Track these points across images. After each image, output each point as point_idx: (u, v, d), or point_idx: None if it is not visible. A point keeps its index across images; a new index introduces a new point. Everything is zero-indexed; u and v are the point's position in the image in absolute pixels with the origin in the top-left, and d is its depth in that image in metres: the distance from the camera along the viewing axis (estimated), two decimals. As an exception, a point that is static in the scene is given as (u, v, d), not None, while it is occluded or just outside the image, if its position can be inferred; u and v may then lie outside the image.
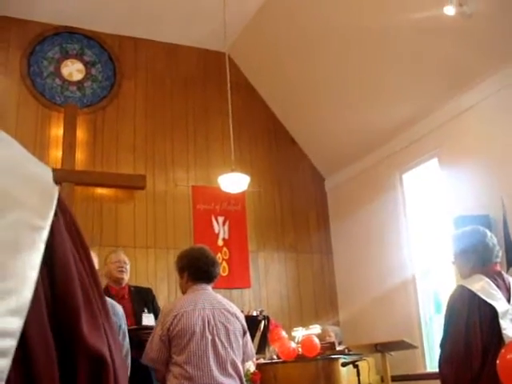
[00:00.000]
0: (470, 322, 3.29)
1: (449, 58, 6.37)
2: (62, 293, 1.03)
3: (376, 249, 7.74)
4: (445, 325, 3.49)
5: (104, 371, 1.04)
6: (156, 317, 4.88)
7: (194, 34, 8.31)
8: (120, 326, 4.04)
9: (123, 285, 5.25)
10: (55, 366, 0.98)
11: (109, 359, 1.06)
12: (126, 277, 5.29)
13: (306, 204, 8.78)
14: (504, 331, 3.22)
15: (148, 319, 4.95)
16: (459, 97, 6.56)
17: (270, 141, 8.82)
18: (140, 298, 5.28)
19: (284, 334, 6.54)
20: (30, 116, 7.49)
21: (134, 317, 5.01)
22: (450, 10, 5.64)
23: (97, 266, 4.27)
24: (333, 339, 6.78)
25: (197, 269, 3.84)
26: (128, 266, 5.33)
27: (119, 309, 4.13)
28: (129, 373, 4.09)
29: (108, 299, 4.15)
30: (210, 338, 3.61)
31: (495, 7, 5.75)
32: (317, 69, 7.75)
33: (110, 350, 1.08)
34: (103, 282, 5.39)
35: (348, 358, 5.78)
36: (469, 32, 6.00)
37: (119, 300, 4.98)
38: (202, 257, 3.86)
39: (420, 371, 6.85)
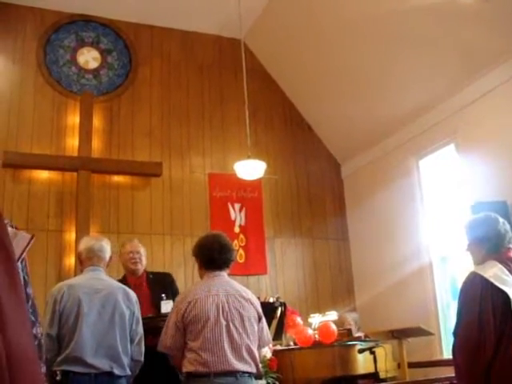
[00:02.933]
0: (483, 309, 3.28)
1: (466, 43, 6.30)
2: None
3: (392, 235, 7.71)
4: (458, 312, 3.48)
5: None
6: (175, 301, 4.89)
7: (209, 21, 8.29)
8: (134, 313, 4.05)
9: (139, 274, 5.25)
10: None
11: None
12: (141, 266, 5.27)
13: (323, 190, 8.76)
14: None
15: (167, 306, 4.93)
16: (476, 81, 6.49)
17: (286, 127, 8.79)
18: (158, 284, 5.26)
19: (299, 320, 6.54)
20: (47, 104, 7.53)
21: (153, 304, 5.02)
22: (466, -6, 5.57)
23: (109, 253, 4.27)
24: (351, 326, 6.78)
25: (206, 256, 3.86)
26: (143, 256, 5.30)
27: (133, 295, 4.14)
28: (142, 359, 4.11)
29: (122, 285, 4.17)
30: (224, 323, 3.62)
31: (513, -10, 5.67)
32: (332, 54, 7.71)
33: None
34: (122, 268, 5.42)
35: (365, 345, 5.77)
36: (486, 16, 5.93)
37: (137, 289, 5.00)
38: (213, 244, 3.86)
39: (437, 358, 6.84)
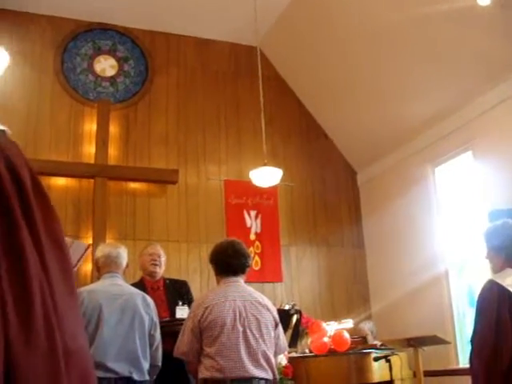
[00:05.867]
0: (500, 317, 3.26)
1: (483, 50, 6.28)
2: None
3: (408, 243, 7.68)
4: (475, 320, 3.47)
5: None
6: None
7: (225, 28, 8.32)
8: (152, 319, 4.09)
9: (157, 278, 5.28)
10: None
11: None
12: (160, 270, 5.30)
13: (338, 198, 8.75)
14: None
15: (182, 311, 4.97)
16: (494, 88, 6.46)
17: (302, 135, 8.79)
18: (175, 290, 5.29)
19: (325, 326, 6.49)
20: (64, 112, 7.59)
21: (169, 309, 5.05)
22: (484, 0, 5.55)
23: (126, 259, 4.30)
24: (367, 335, 6.76)
25: (222, 262, 3.87)
26: (163, 260, 5.35)
27: (150, 301, 4.17)
28: (159, 363, 4.14)
29: (140, 291, 4.20)
30: (241, 329, 3.62)
31: (530, -3, 5.65)
32: (348, 62, 7.71)
33: (10, 348, 0.83)
34: (138, 274, 5.45)
35: (380, 353, 5.75)
36: (503, 22, 5.90)
37: (154, 291, 5.03)
38: (228, 250, 3.88)
39: (453, 367, 6.79)
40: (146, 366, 3.96)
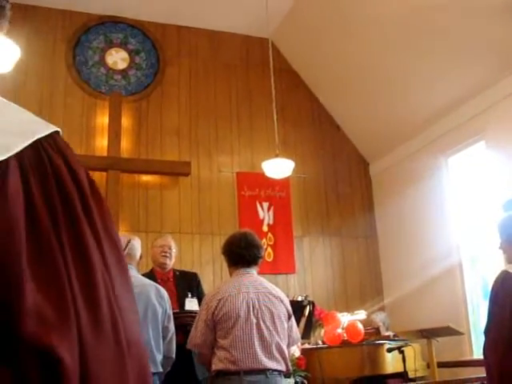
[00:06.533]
0: None
1: (495, 39, 6.23)
2: None
3: (422, 234, 7.66)
4: (489, 311, 3.45)
5: (58, 376, 0.78)
6: (200, 302, 4.92)
7: (236, 20, 8.31)
8: (166, 311, 4.09)
9: (167, 269, 5.30)
10: None
11: (68, 359, 0.79)
12: (170, 262, 5.33)
13: (351, 189, 8.73)
14: None
15: (191, 304, 4.99)
16: (506, 78, 6.41)
17: (315, 126, 8.78)
18: (184, 282, 5.31)
19: (340, 316, 6.49)
20: (76, 105, 7.62)
21: (178, 300, 5.06)
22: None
23: (140, 251, 4.31)
24: (379, 326, 6.76)
25: (234, 253, 3.88)
26: (174, 252, 5.37)
27: (164, 292, 4.17)
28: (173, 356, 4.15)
29: (153, 283, 4.19)
30: (254, 321, 3.63)
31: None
32: (360, 53, 7.67)
33: (84, 347, 0.83)
34: (151, 266, 5.49)
35: (393, 344, 5.75)
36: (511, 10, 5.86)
37: (164, 283, 5.05)
38: (240, 241, 3.88)
39: (466, 358, 6.78)
40: (159, 357, 3.97)
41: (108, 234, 0.98)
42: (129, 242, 3.84)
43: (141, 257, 4.34)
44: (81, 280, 0.87)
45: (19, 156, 0.90)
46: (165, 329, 4.06)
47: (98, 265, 0.91)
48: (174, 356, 4.11)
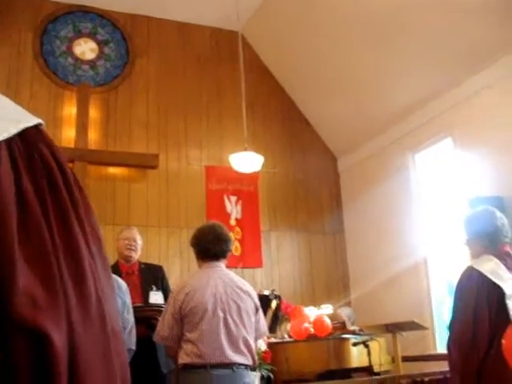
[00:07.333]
0: (478, 304, 3.29)
1: (463, 38, 6.30)
2: None
3: (389, 230, 7.72)
4: (453, 306, 3.49)
5: (47, 356, 0.79)
6: (165, 295, 4.89)
7: (207, 12, 8.26)
8: (125, 302, 3.99)
9: (132, 262, 5.26)
10: None
11: (57, 340, 0.80)
12: (135, 255, 5.28)
13: (319, 184, 8.76)
14: (511, 312, 3.22)
15: (155, 297, 4.96)
16: (474, 76, 6.48)
17: (284, 121, 8.78)
18: (149, 274, 5.27)
19: (307, 311, 6.50)
20: (43, 95, 7.50)
21: (142, 294, 5.02)
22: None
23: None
24: (345, 321, 6.79)
25: (202, 246, 3.86)
26: (139, 244, 5.32)
27: (122, 284, 4.08)
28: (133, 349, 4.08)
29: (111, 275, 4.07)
30: (221, 315, 3.62)
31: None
32: (330, 49, 7.69)
33: (72, 328, 0.84)
34: (115, 257, 5.43)
35: (359, 338, 5.79)
36: (483, 11, 5.92)
37: (128, 276, 5.01)
38: (209, 235, 3.85)
39: (430, 352, 6.86)
40: None
41: (90, 224, 1.00)
42: None
43: None
44: (69, 264, 0.88)
45: (8, 142, 0.91)
46: (124, 320, 3.96)
47: (85, 252, 0.92)
48: (134, 347, 4.02)
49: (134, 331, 4.04)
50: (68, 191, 0.96)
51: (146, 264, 5.42)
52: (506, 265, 3.41)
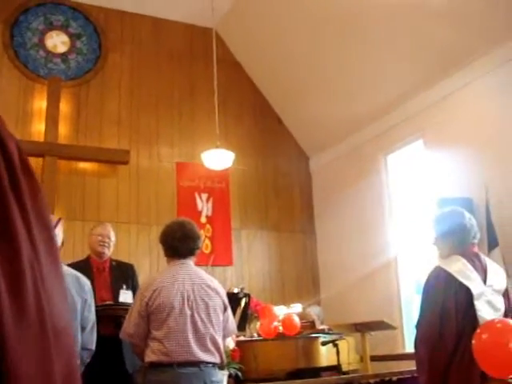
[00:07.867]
0: (446, 304, 3.31)
1: (435, 41, 6.34)
2: None
3: (359, 229, 7.75)
4: (421, 305, 3.50)
5: None
6: (135, 294, 4.83)
7: (181, 8, 8.20)
8: (86, 301, 3.84)
9: (104, 258, 5.20)
10: None
11: None
12: (108, 252, 5.22)
13: (290, 183, 8.76)
14: (479, 313, 3.24)
15: (125, 296, 4.90)
16: (445, 79, 6.54)
17: (256, 118, 8.77)
18: (120, 273, 5.21)
19: (276, 311, 6.48)
20: (13, 88, 7.38)
21: (112, 291, 4.96)
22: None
23: (61, 237, 4.08)
24: (314, 319, 6.80)
25: (170, 244, 3.80)
26: (112, 242, 5.26)
27: (85, 282, 3.92)
28: (93, 347, 3.98)
29: (74, 272, 3.93)
30: (189, 313, 3.58)
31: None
32: (304, 48, 7.69)
33: (4, 330, 0.81)
34: (85, 252, 5.37)
35: (328, 337, 5.80)
36: (455, 14, 5.97)
37: (99, 272, 4.95)
38: (176, 233, 3.79)
39: (399, 351, 6.90)
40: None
41: (38, 212, 0.92)
42: (59, 220, 3.66)
43: (63, 243, 4.11)
44: (5, 267, 0.82)
45: None
46: (84, 319, 3.80)
47: (24, 244, 0.85)
48: (93, 348, 3.87)
49: (94, 331, 3.89)
50: (9, 173, 0.88)
51: (117, 261, 5.36)
52: (473, 265, 3.43)
